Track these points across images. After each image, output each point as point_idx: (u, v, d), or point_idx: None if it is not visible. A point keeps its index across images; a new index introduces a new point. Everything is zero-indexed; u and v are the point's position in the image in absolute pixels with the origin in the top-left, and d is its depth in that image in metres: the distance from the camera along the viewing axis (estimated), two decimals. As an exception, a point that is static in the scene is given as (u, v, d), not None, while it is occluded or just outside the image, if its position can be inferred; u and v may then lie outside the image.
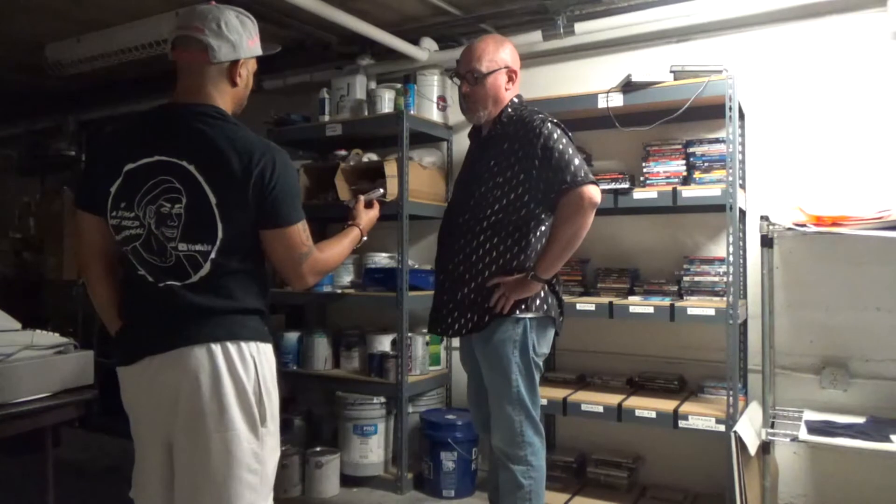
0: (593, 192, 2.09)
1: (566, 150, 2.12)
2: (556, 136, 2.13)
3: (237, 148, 1.58)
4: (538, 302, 2.20)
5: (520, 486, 2.19)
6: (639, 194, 2.93)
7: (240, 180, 1.57)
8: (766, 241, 2.61)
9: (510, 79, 2.29)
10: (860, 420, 2.68)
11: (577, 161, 2.11)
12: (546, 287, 2.22)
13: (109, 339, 1.75)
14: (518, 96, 2.33)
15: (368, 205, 2.07)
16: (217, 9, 1.65)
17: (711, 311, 2.72)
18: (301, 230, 1.67)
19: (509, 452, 2.21)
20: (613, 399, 2.96)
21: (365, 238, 1.99)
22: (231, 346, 1.59)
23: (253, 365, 1.61)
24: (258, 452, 1.61)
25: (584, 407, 2.95)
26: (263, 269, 1.71)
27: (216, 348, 1.57)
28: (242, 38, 1.67)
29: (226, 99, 1.69)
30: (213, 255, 1.59)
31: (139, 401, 1.66)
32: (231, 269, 1.62)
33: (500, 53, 2.27)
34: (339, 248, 1.86)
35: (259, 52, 1.73)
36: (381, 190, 2.32)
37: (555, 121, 2.19)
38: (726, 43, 3.11)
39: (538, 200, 2.18)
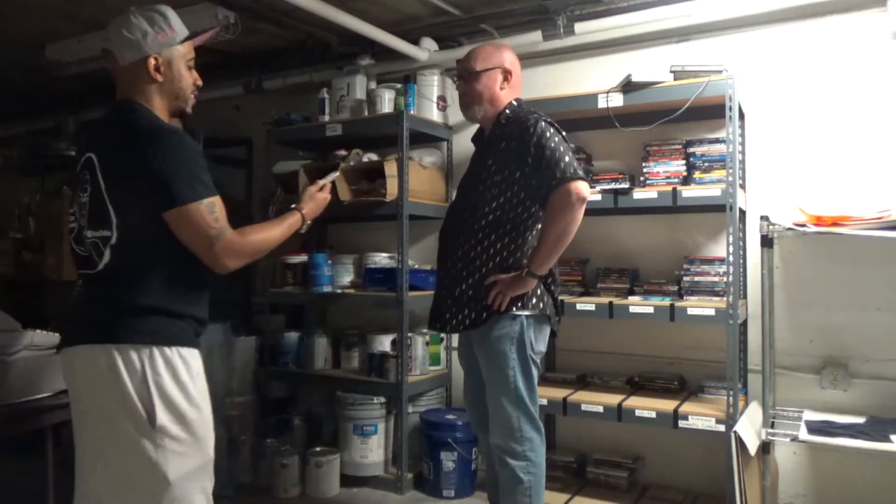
0: (581, 188, 2.11)
1: (557, 147, 2.15)
2: (548, 134, 2.17)
3: (129, 133, 1.64)
4: (534, 300, 2.23)
5: (519, 481, 2.21)
6: (639, 194, 2.93)
7: (129, 165, 1.61)
8: (766, 241, 2.61)
9: (506, 79, 2.35)
10: (860, 420, 2.68)
11: (567, 158, 2.14)
12: (542, 286, 2.26)
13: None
14: (517, 99, 2.39)
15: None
16: (123, 15, 1.71)
17: (711, 311, 2.73)
18: (204, 210, 1.61)
19: (508, 448, 2.23)
20: (613, 399, 2.96)
21: (308, 223, 1.92)
22: (115, 350, 1.57)
23: (140, 369, 1.57)
24: (151, 457, 1.57)
25: (584, 407, 2.95)
26: (186, 267, 1.66)
27: (104, 350, 1.58)
28: (148, 36, 1.69)
29: (148, 95, 1.72)
30: (112, 242, 1.62)
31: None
32: (135, 262, 1.62)
33: (495, 55, 2.36)
34: (269, 231, 1.77)
35: (175, 42, 1.72)
36: (337, 173, 2.27)
37: (548, 119, 2.23)
38: (726, 43, 3.11)
39: (534, 198, 2.22)
